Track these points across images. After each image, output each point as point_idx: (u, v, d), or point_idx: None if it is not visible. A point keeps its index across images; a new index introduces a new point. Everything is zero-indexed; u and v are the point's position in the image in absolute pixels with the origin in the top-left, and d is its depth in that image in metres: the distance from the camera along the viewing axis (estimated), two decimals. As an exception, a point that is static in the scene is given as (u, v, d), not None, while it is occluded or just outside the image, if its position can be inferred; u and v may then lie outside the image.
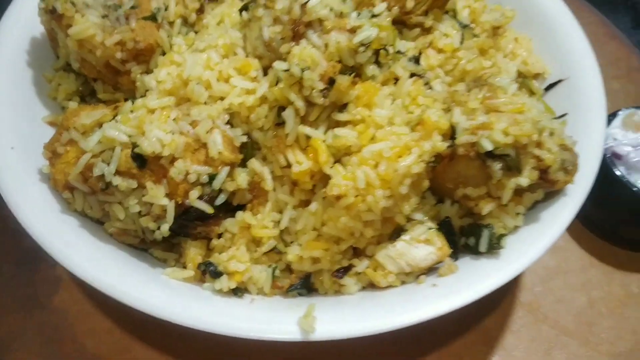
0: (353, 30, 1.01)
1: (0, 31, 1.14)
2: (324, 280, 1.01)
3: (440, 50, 1.17)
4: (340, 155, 0.98)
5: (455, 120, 1.00)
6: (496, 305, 1.30)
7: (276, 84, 0.98)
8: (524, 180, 0.98)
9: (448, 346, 1.24)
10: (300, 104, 0.96)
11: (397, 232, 1.03)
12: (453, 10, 1.21)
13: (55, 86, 1.18)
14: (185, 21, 1.17)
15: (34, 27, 1.16)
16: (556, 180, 1.01)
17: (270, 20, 1.03)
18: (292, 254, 0.99)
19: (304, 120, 0.98)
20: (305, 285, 1.01)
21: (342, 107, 1.00)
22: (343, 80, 0.96)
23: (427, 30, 1.18)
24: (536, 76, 1.31)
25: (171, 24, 1.14)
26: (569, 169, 1.03)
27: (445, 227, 1.05)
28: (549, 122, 1.01)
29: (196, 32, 1.16)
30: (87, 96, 1.20)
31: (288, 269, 1.03)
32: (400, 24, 1.17)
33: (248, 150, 1.04)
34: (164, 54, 1.11)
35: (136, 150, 0.92)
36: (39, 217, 0.98)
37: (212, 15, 1.16)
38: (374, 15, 1.05)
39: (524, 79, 1.28)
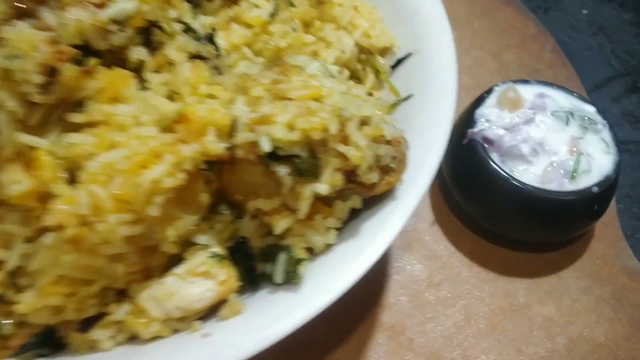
0: (102, 5, 0.77)
1: None
2: (72, 334, 0.77)
3: (247, 25, 0.93)
4: (79, 168, 0.74)
5: (236, 114, 0.77)
6: (351, 330, 1.08)
7: (-5, 78, 0.73)
8: (322, 187, 0.75)
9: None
10: (12, 104, 0.71)
11: (174, 261, 0.80)
12: (264, -27, 0.96)
13: None
14: None
15: None
16: (370, 183, 0.78)
17: (-5, -6, 0.78)
18: (25, 303, 0.75)
19: (25, 125, 0.73)
20: (47, 342, 0.77)
21: (80, 105, 0.75)
22: (69, 70, 0.72)
23: (232, 1, 0.95)
24: (384, 51, 1.07)
25: None
26: (391, 166, 0.81)
27: (240, 251, 0.82)
28: (358, 109, 0.77)
29: None
30: None
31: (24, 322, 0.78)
32: (197, -7, 0.94)
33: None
34: None
35: None
36: None
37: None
38: (132, -18, 0.80)
39: (368, 55, 1.05)
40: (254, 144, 0.74)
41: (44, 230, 0.75)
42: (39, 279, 0.75)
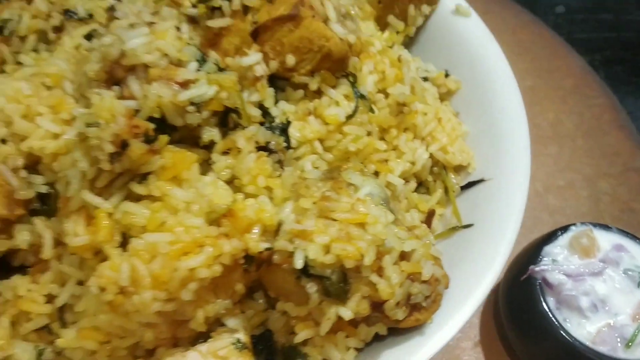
0: (185, 84, 0.82)
1: None
2: (101, 377, 0.83)
3: (324, 121, 0.96)
4: (134, 233, 0.79)
5: (282, 218, 0.79)
6: None
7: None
8: (346, 312, 0.76)
9: None
10: (84, 165, 0.78)
11: (204, 336, 0.83)
12: (354, 75, 0.98)
13: None
14: (44, 37, 1.01)
15: None
16: (394, 318, 0.78)
17: (99, 55, 0.85)
18: (66, 338, 0.81)
19: (92, 184, 0.80)
20: (78, 377, 0.83)
21: (144, 177, 0.81)
22: (137, 147, 0.77)
23: (314, 94, 0.98)
24: (459, 169, 1.06)
25: (23, 39, 1.00)
26: (422, 304, 0.80)
27: (263, 343, 0.85)
28: (399, 243, 0.78)
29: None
30: None
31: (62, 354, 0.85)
32: (284, 79, 0.98)
33: (51, 204, 0.87)
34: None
35: None
36: None
37: (70, 37, 0.99)
38: (220, 69, 0.85)
39: (441, 170, 1.05)
40: (290, 255, 0.76)
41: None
42: (81, 320, 0.82)
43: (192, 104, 0.82)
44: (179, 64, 0.84)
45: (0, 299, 0.86)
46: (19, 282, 0.85)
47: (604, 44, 1.73)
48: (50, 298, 0.85)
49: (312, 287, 0.76)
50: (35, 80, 0.90)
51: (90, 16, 1.03)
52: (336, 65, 0.96)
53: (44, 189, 0.86)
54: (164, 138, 0.80)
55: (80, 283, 0.84)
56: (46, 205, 0.87)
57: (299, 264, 0.74)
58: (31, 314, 0.84)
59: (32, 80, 0.90)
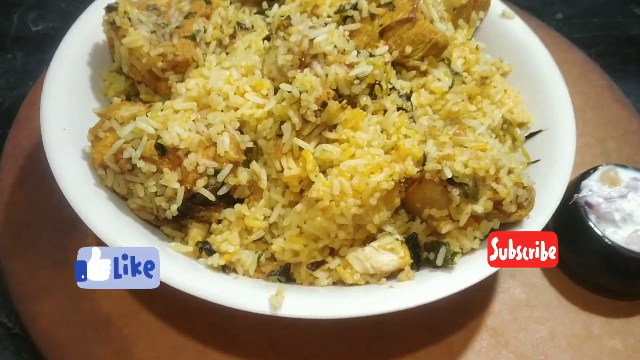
0: (351, 66, 1.21)
1: (68, 35, 1.39)
2: (300, 272, 1.19)
3: (431, 92, 1.35)
4: (325, 167, 1.17)
5: (427, 150, 1.18)
6: (464, 326, 1.44)
7: (282, 102, 1.18)
8: (478, 207, 1.14)
9: (414, 352, 1.38)
10: (296, 120, 1.15)
11: (369, 239, 1.20)
12: (448, 59, 1.39)
13: (108, 84, 1.41)
14: (220, 43, 1.38)
15: (97, 35, 1.40)
16: (509, 212, 1.16)
17: (285, 50, 1.23)
18: (277, 245, 1.17)
19: (299, 134, 1.17)
20: (285, 274, 1.19)
21: (332, 127, 1.19)
22: (333, 105, 1.15)
23: (422, 73, 1.37)
24: (521, 125, 1.46)
25: (207, 44, 1.36)
26: (524, 204, 1.19)
27: (411, 242, 1.22)
28: (508, 162, 1.17)
29: (227, 53, 1.38)
30: (132, 96, 1.42)
31: (272, 257, 1.21)
32: (400, 65, 1.37)
33: (253, 154, 1.24)
34: (198, 67, 1.33)
35: (159, 141, 1.13)
36: (77, 188, 1.18)
37: (242, 41, 1.38)
38: (371, 55, 1.24)
39: (509, 126, 1.45)
40: (439, 172, 1.14)
41: (296, 201, 1.19)
42: (286, 232, 1.18)
43: (357, 78, 1.20)
44: (343, 52, 1.22)
45: (225, 222, 1.22)
46: (241, 208, 1.21)
47: (597, 41, 2.18)
48: (263, 218, 1.21)
49: (455, 192, 1.14)
50: (233, 70, 1.28)
51: (252, 26, 1.42)
52: (439, 52, 1.36)
53: (250, 144, 1.23)
54: (343, 100, 1.19)
55: (284, 206, 1.21)
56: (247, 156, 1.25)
57: (448, 174, 1.12)
58: (252, 229, 1.20)
59: (231, 70, 1.28)
